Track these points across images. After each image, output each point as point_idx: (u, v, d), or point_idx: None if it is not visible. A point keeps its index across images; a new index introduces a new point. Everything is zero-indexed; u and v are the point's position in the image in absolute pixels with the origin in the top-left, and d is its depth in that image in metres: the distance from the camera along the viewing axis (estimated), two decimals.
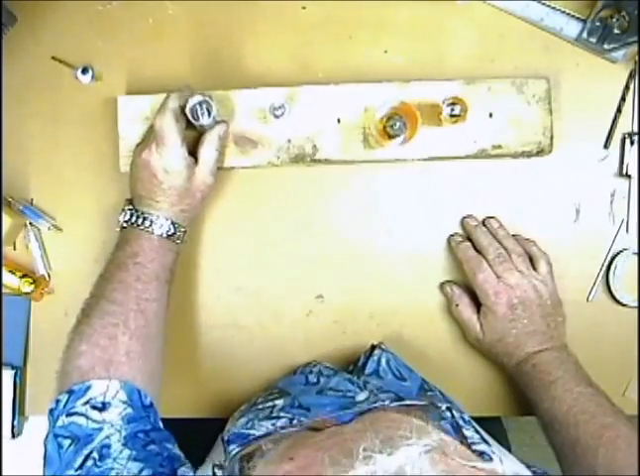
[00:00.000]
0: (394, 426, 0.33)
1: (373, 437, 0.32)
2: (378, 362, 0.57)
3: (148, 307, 0.53)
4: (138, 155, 0.57)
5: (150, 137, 0.58)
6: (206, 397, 0.65)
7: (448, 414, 0.47)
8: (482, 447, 0.43)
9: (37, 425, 0.66)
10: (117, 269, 0.55)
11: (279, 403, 0.51)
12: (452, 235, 0.63)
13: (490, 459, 0.41)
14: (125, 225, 0.57)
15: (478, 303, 0.60)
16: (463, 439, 0.43)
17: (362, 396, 0.50)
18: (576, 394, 0.53)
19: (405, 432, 0.32)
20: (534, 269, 0.59)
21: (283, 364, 0.64)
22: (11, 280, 0.64)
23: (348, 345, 0.64)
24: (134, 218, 0.56)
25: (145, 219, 0.56)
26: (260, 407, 0.52)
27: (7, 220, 0.63)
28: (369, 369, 0.57)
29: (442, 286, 0.63)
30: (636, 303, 0.63)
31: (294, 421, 0.47)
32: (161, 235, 0.56)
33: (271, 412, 0.50)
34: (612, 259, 0.63)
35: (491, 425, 0.57)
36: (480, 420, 0.53)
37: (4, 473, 0.62)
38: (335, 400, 0.51)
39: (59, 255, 0.66)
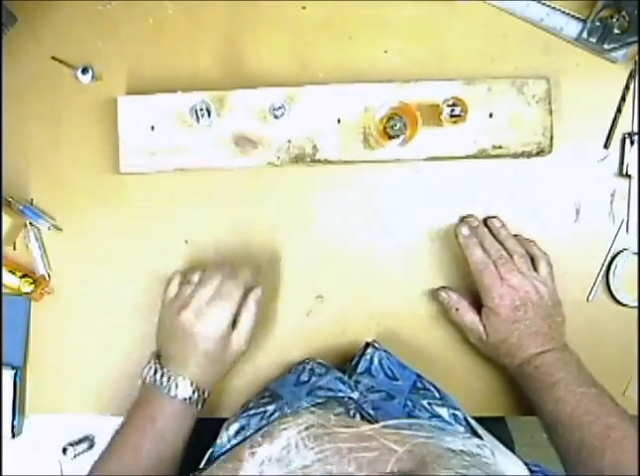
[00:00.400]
0: (278, 422, 0.34)
1: (257, 436, 0.33)
2: (371, 361, 0.57)
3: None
4: (176, 312, 0.55)
5: (186, 292, 0.56)
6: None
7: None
8: (474, 442, 0.43)
9: (37, 425, 0.66)
10: (135, 432, 0.53)
11: (270, 408, 0.51)
12: (459, 224, 0.61)
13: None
14: (147, 380, 0.55)
15: (475, 304, 0.60)
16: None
17: (353, 396, 0.51)
18: (579, 395, 0.53)
19: (283, 421, 0.32)
20: (535, 269, 0.59)
21: (283, 364, 0.64)
22: (11, 280, 0.64)
23: (347, 345, 0.64)
24: (158, 375, 0.54)
25: (169, 379, 0.54)
26: (252, 412, 0.51)
27: (7, 220, 0.63)
28: (361, 368, 0.56)
29: (436, 292, 0.62)
30: (636, 303, 0.63)
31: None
32: (184, 399, 0.54)
33: (262, 418, 0.50)
34: (612, 259, 0.63)
35: (495, 426, 0.57)
36: (483, 420, 0.53)
37: (4, 473, 0.62)
38: (324, 400, 0.51)
39: (59, 255, 0.66)
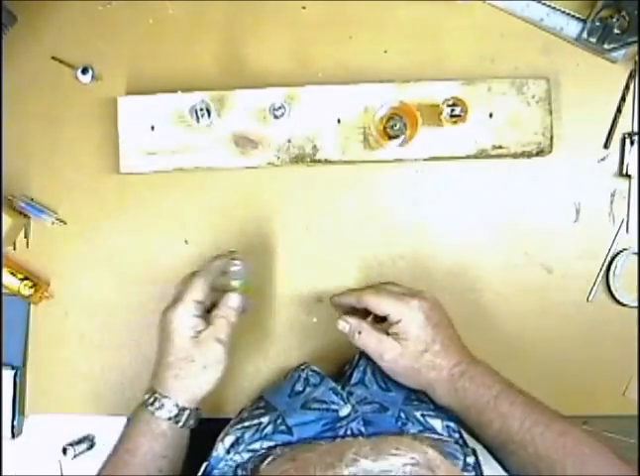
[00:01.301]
0: (390, 441, 0.34)
1: (364, 445, 0.33)
2: (364, 372, 0.57)
3: None
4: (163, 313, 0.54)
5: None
6: (206, 397, 0.65)
7: (471, 459, 0.47)
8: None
9: (37, 425, 0.66)
10: (111, 464, 0.51)
11: (265, 420, 0.51)
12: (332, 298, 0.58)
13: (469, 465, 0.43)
14: (140, 404, 0.53)
15: (377, 323, 0.56)
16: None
17: (345, 410, 0.50)
18: (521, 406, 0.50)
19: (397, 445, 0.32)
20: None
21: (283, 364, 0.64)
22: (11, 281, 0.64)
23: (347, 346, 0.64)
24: (146, 396, 0.52)
25: (154, 399, 0.51)
26: (246, 424, 0.51)
27: (7, 220, 0.63)
28: (354, 379, 0.56)
29: (336, 323, 0.56)
30: (636, 303, 0.63)
31: (277, 449, 0.47)
32: (161, 417, 0.51)
33: (257, 430, 0.50)
34: (612, 259, 0.63)
35: None
36: None
37: (4, 473, 0.62)
38: (319, 415, 0.51)
39: (59, 254, 0.66)
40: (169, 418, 0.51)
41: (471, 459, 0.47)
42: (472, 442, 0.51)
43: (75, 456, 0.64)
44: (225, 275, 0.55)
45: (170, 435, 0.51)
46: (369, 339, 0.54)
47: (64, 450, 0.64)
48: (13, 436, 0.65)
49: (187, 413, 0.52)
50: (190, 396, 0.52)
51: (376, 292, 0.54)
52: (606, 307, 0.64)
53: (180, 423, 0.51)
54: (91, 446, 0.65)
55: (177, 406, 0.51)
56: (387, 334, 0.53)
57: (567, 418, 0.50)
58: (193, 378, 0.52)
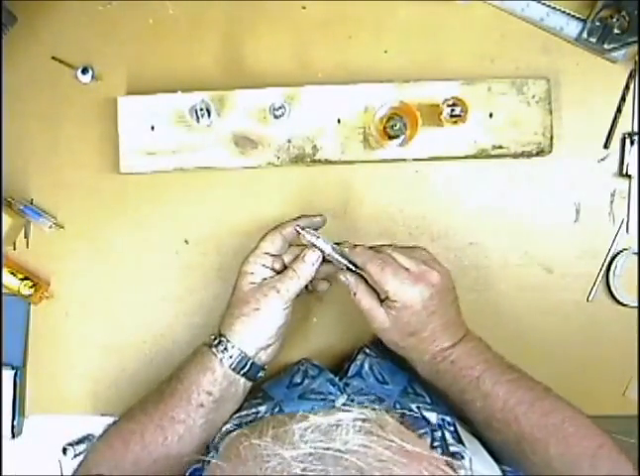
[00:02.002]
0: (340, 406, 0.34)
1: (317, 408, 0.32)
2: (361, 366, 0.57)
3: (169, 427, 0.50)
4: None
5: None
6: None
7: (438, 433, 0.47)
8: (455, 448, 0.45)
9: (37, 425, 0.66)
10: (166, 379, 0.53)
11: (262, 409, 0.51)
12: (338, 245, 0.54)
13: (462, 458, 0.43)
14: (205, 344, 0.54)
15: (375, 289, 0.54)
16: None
17: (341, 400, 0.51)
18: (505, 384, 0.49)
19: (346, 405, 0.33)
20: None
21: (283, 364, 0.64)
22: (12, 281, 0.64)
23: (347, 346, 0.64)
24: (211, 338, 0.53)
25: (220, 343, 0.52)
26: (243, 413, 0.52)
27: (7, 220, 0.63)
28: (351, 372, 0.57)
29: (338, 275, 0.55)
30: (636, 303, 0.63)
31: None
32: (224, 363, 0.52)
33: (254, 419, 0.50)
34: (612, 259, 0.63)
35: None
36: None
37: (4, 473, 0.62)
38: (315, 404, 0.51)
39: (59, 254, 0.66)
40: (222, 358, 0.51)
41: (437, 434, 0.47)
42: (472, 445, 0.51)
43: (75, 456, 0.64)
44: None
45: (220, 373, 0.51)
46: (362, 302, 0.53)
47: (64, 450, 0.64)
48: (13, 436, 0.65)
49: (243, 358, 0.52)
50: (246, 338, 0.52)
51: (382, 266, 0.50)
52: (606, 307, 0.64)
53: (233, 366, 0.51)
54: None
55: (239, 349, 0.51)
56: (382, 301, 0.52)
57: (554, 396, 0.49)
58: (247, 318, 0.52)
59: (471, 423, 0.51)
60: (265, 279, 0.53)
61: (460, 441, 0.47)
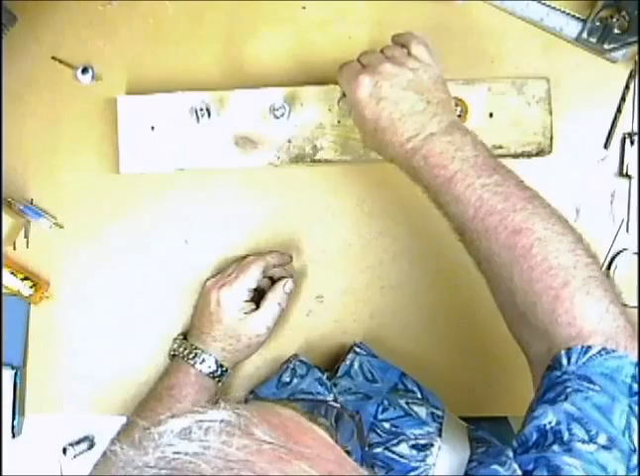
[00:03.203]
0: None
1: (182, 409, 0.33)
2: (351, 365, 0.58)
3: None
4: (204, 283, 0.60)
5: (224, 271, 0.60)
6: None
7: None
8: (427, 440, 0.45)
9: (37, 425, 0.66)
10: (153, 398, 0.57)
11: None
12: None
13: (431, 448, 0.44)
14: (174, 354, 0.59)
15: None
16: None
17: (328, 399, 0.52)
18: (479, 189, 0.44)
19: (206, 408, 0.31)
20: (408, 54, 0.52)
21: (277, 360, 0.64)
22: (12, 281, 0.64)
23: (347, 345, 0.64)
24: (181, 349, 0.58)
25: (190, 352, 0.57)
26: None
27: (7, 220, 0.63)
28: (341, 371, 0.57)
29: (338, 103, 0.56)
30: (636, 303, 0.63)
31: None
32: (201, 371, 0.57)
33: None
34: (612, 259, 0.63)
35: (498, 426, 0.57)
36: (485, 420, 0.53)
37: (4, 473, 0.62)
38: (304, 405, 0.51)
39: (59, 255, 0.66)
40: (210, 373, 0.57)
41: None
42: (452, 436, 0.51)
43: (75, 456, 0.64)
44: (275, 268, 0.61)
45: (211, 388, 0.58)
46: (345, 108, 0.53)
47: (64, 450, 0.64)
48: (13, 436, 0.65)
49: (223, 370, 0.58)
50: (229, 363, 0.58)
51: (341, 68, 0.52)
52: None
53: (217, 379, 0.57)
54: (91, 446, 0.65)
55: (217, 362, 0.57)
56: None
57: (536, 205, 0.44)
58: (237, 352, 0.58)
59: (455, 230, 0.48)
60: (246, 312, 0.57)
61: (439, 434, 0.47)
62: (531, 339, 0.44)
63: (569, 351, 0.40)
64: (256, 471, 0.26)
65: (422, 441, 0.46)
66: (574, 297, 0.41)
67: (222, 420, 0.28)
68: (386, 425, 0.48)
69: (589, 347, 0.40)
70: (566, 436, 0.36)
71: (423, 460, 0.44)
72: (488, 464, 0.38)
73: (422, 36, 0.52)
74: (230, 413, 0.29)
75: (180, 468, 0.26)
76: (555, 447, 0.36)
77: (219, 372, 0.57)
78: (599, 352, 0.39)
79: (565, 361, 0.40)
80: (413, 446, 0.45)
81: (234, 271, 0.58)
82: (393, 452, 0.45)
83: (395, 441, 0.46)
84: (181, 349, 0.58)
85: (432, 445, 0.45)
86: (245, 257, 0.60)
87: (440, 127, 0.47)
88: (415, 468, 0.44)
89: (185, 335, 0.61)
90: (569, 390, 0.38)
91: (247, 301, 0.58)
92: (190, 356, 0.57)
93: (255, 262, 0.58)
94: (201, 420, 0.28)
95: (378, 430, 0.48)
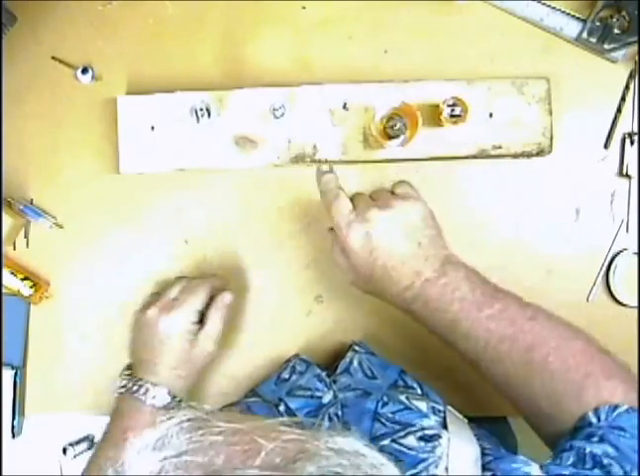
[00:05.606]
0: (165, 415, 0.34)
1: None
2: (350, 362, 0.58)
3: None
4: (143, 313, 0.57)
5: (155, 296, 0.59)
6: (206, 396, 0.65)
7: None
8: (434, 431, 0.45)
9: (37, 425, 0.66)
10: (109, 445, 0.53)
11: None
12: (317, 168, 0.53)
13: (439, 439, 0.44)
14: (122, 391, 0.55)
15: None
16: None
17: (327, 397, 0.52)
18: (485, 322, 0.46)
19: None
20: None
21: (278, 361, 0.64)
22: (11, 281, 0.64)
23: (347, 345, 0.64)
24: (130, 384, 0.55)
25: (141, 387, 0.54)
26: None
27: (7, 220, 0.63)
28: (340, 369, 0.58)
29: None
30: (636, 303, 0.63)
31: None
32: (154, 406, 0.54)
33: None
34: (612, 259, 0.63)
35: (499, 426, 0.57)
36: (486, 420, 0.53)
37: (4, 473, 0.62)
38: (302, 402, 0.52)
39: (59, 255, 0.66)
40: (163, 406, 0.54)
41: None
42: (458, 428, 0.50)
43: (75, 456, 0.64)
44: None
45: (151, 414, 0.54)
46: (335, 259, 0.52)
47: (64, 450, 0.64)
48: (13, 436, 0.65)
49: (178, 401, 0.55)
50: (184, 391, 0.56)
51: (330, 202, 0.50)
52: (606, 307, 0.64)
53: (164, 405, 0.54)
54: (91, 446, 0.66)
55: (170, 393, 0.54)
56: None
57: (540, 322, 0.46)
58: (193, 376, 0.57)
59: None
60: (191, 331, 0.56)
61: (444, 426, 0.47)
62: (553, 424, 0.45)
63: (597, 410, 0.42)
64: (248, 443, 0.28)
65: (429, 432, 0.45)
66: (598, 382, 0.43)
67: (188, 419, 0.30)
68: (389, 415, 0.48)
69: (617, 406, 0.42)
70: (605, 464, 0.38)
71: (432, 451, 0.44)
72: (510, 461, 0.39)
73: (406, 182, 0.53)
74: (189, 410, 0.30)
75: (173, 470, 0.27)
76: (596, 471, 0.38)
77: (172, 405, 0.54)
78: (627, 410, 0.41)
79: (594, 419, 0.42)
80: (421, 438, 0.45)
81: (180, 294, 0.57)
82: (401, 444, 0.45)
83: (402, 433, 0.46)
84: (131, 385, 0.55)
85: (440, 437, 0.44)
86: (179, 278, 0.60)
87: (433, 270, 0.48)
88: (424, 459, 0.43)
89: (131, 369, 0.57)
90: (602, 434, 0.40)
91: (195, 324, 0.56)
92: (142, 391, 0.54)
93: (203, 284, 0.57)
94: (168, 428, 0.29)
95: (382, 419, 0.48)
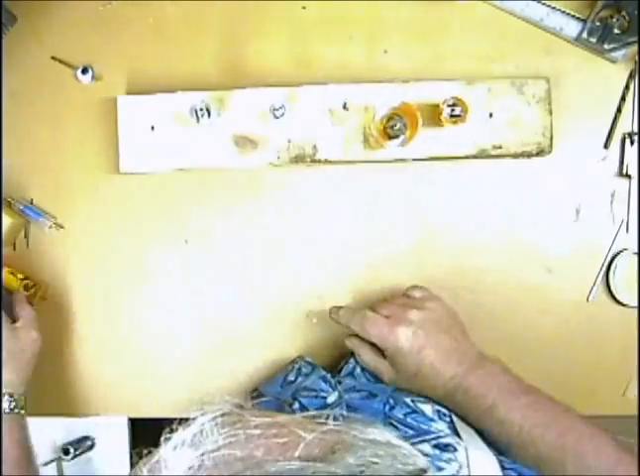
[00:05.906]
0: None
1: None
2: (354, 367, 0.58)
3: None
4: None
5: None
6: (205, 397, 0.65)
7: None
8: (448, 440, 0.45)
9: (37, 426, 0.66)
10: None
11: None
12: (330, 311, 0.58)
13: (455, 450, 0.44)
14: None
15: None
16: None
17: (332, 397, 0.52)
18: (520, 410, 0.49)
19: (202, 410, 0.32)
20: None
21: (283, 364, 0.64)
22: (11, 281, 0.63)
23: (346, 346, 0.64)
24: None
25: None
26: None
27: (7, 220, 0.63)
28: (344, 372, 0.58)
29: (345, 341, 0.58)
30: (636, 303, 0.63)
31: None
32: (9, 412, 0.55)
33: None
34: (612, 259, 0.63)
35: None
36: None
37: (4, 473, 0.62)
38: (307, 402, 0.52)
39: (59, 255, 0.66)
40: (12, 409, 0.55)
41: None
42: (469, 435, 0.51)
43: (75, 456, 0.64)
44: None
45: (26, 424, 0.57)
46: (367, 361, 0.55)
47: (64, 450, 0.64)
48: None
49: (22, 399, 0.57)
50: (20, 385, 0.57)
51: (362, 322, 0.54)
52: (606, 307, 0.64)
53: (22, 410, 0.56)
54: (91, 446, 0.65)
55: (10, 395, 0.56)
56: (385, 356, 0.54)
57: (572, 416, 0.49)
58: (27, 366, 0.58)
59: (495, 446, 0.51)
60: (7, 321, 0.59)
61: (456, 433, 0.47)
62: None
63: None
64: (287, 435, 0.28)
65: (444, 441, 0.46)
66: (629, 469, 0.45)
67: (222, 414, 0.30)
68: (400, 417, 0.49)
69: None
70: None
71: (448, 462, 0.44)
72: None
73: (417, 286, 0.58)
74: (221, 407, 0.31)
75: (212, 467, 0.28)
76: None
77: (15, 404, 0.56)
78: None
79: None
80: (436, 446, 0.45)
81: None
82: (417, 449, 0.45)
83: (417, 440, 0.46)
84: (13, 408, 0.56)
85: (455, 449, 0.45)
86: None
87: (472, 361, 0.52)
88: (441, 468, 0.43)
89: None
90: None
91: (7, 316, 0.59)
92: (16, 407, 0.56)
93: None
94: (202, 424, 0.30)
95: (394, 422, 0.48)
